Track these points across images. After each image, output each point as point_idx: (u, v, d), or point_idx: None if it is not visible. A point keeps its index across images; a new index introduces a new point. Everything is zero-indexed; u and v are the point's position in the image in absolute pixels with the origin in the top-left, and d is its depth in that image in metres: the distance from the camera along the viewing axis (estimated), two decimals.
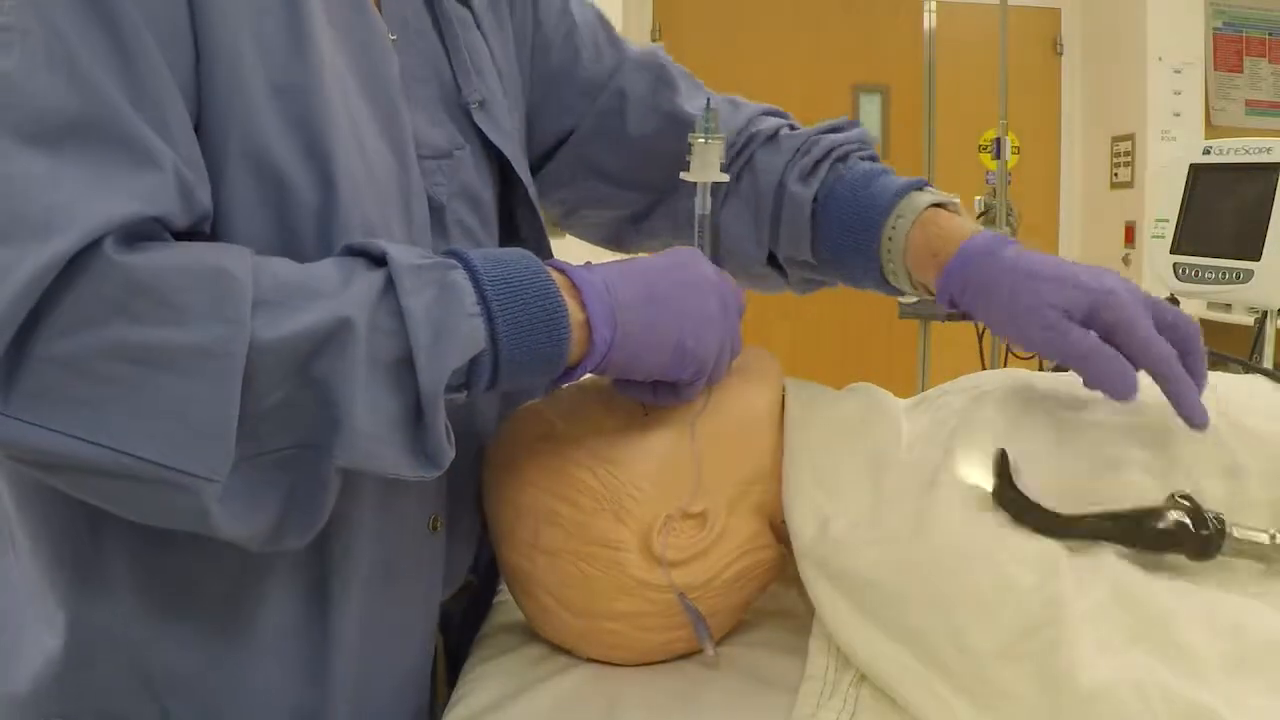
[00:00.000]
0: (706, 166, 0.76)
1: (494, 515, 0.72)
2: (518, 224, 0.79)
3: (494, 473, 0.72)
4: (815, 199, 0.79)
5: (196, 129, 0.56)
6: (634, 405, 0.71)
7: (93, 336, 0.48)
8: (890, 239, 0.74)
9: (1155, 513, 0.60)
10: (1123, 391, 0.65)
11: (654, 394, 0.68)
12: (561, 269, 0.62)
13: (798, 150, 0.82)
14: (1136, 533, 0.60)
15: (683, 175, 0.76)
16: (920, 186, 0.75)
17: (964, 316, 0.70)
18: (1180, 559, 0.61)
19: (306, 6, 0.59)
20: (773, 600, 0.76)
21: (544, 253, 0.71)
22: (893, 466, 0.68)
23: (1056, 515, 0.59)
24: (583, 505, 0.67)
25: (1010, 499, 0.59)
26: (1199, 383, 0.66)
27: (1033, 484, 0.61)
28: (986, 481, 0.61)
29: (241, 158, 0.57)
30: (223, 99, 0.56)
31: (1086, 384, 0.66)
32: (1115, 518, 0.60)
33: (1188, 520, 0.59)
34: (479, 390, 0.58)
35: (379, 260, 0.56)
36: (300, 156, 0.58)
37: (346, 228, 0.59)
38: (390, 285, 0.55)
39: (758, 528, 0.71)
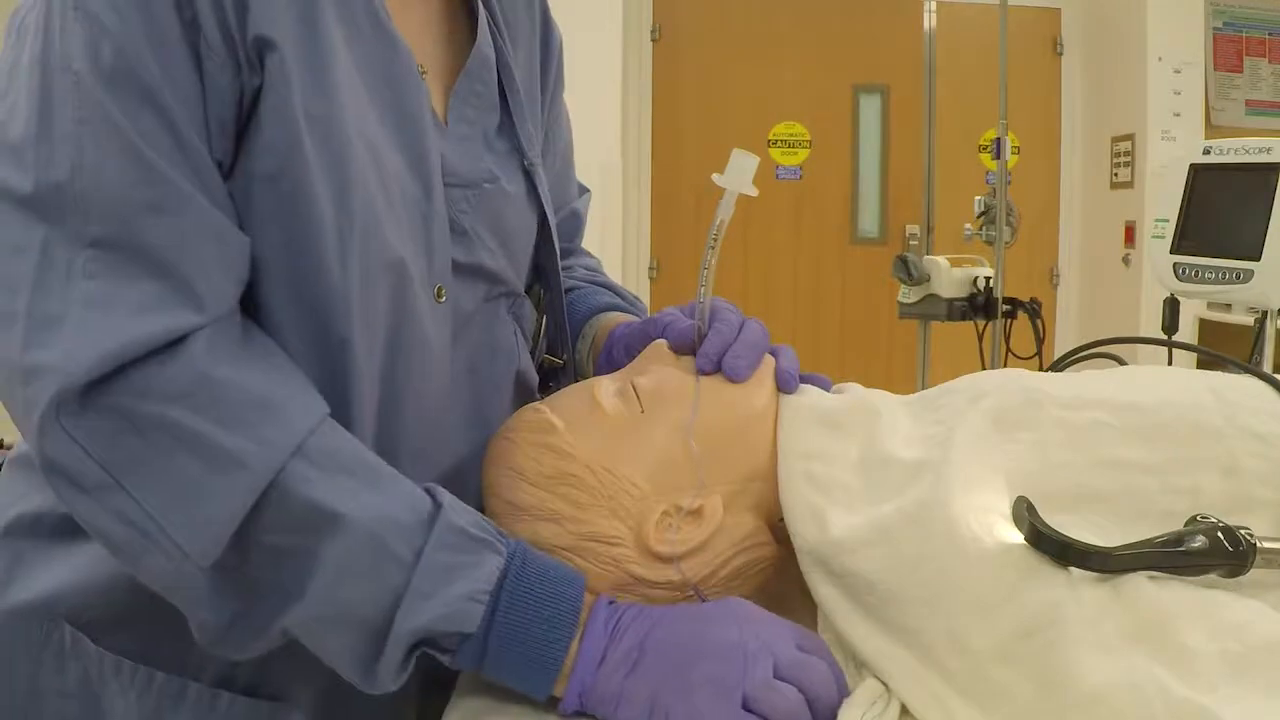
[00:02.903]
0: (741, 174, 0.75)
1: (493, 512, 0.72)
2: (541, 262, 0.86)
3: (493, 470, 0.72)
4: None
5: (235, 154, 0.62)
6: (631, 404, 0.71)
7: (157, 407, 0.57)
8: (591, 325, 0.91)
9: (1189, 536, 0.59)
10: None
11: None
12: (594, 611, 0.62)
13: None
14: (1180, 559, 0.59)
15: (714, 178, 0.76)
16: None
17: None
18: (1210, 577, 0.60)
19: (326, 39, 0.63)
20: (773, 599, 0.76)
21: (557, 295, 0.86)
22: (890, 466, 0.68)
23: (1099, 551, 0.58)
24: (580, 502, 0.67)
25: (1048, 541, 0.58)
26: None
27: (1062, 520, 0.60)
28: (1012, 529, 0.60)
29: (268, 180, 0.61)
30: (266, 127, 0.61)
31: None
32: (1156, 547, 0.59)
33: (1222, 539, 0.59)
34: (460, 663, 0.62)
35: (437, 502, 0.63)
36: (324, 181, 0.62)
37: (365, 248, 0.64)
38: (430, 523, 0.61)
39: (755, 525, 0.71)
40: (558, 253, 0.86)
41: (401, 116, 0.69)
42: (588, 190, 1.03)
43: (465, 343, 0.75)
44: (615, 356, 0.85)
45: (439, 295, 0.71)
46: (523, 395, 0.82)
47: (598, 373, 0.86)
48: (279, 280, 0.63)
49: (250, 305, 0.63)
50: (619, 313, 0.93)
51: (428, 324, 0.70)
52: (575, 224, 1.00)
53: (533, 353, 0.84)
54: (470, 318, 0.76)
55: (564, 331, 0.88)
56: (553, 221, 0.85)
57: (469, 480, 0.74)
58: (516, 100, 0.81)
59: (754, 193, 0.75)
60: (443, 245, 0.71)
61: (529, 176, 0.81)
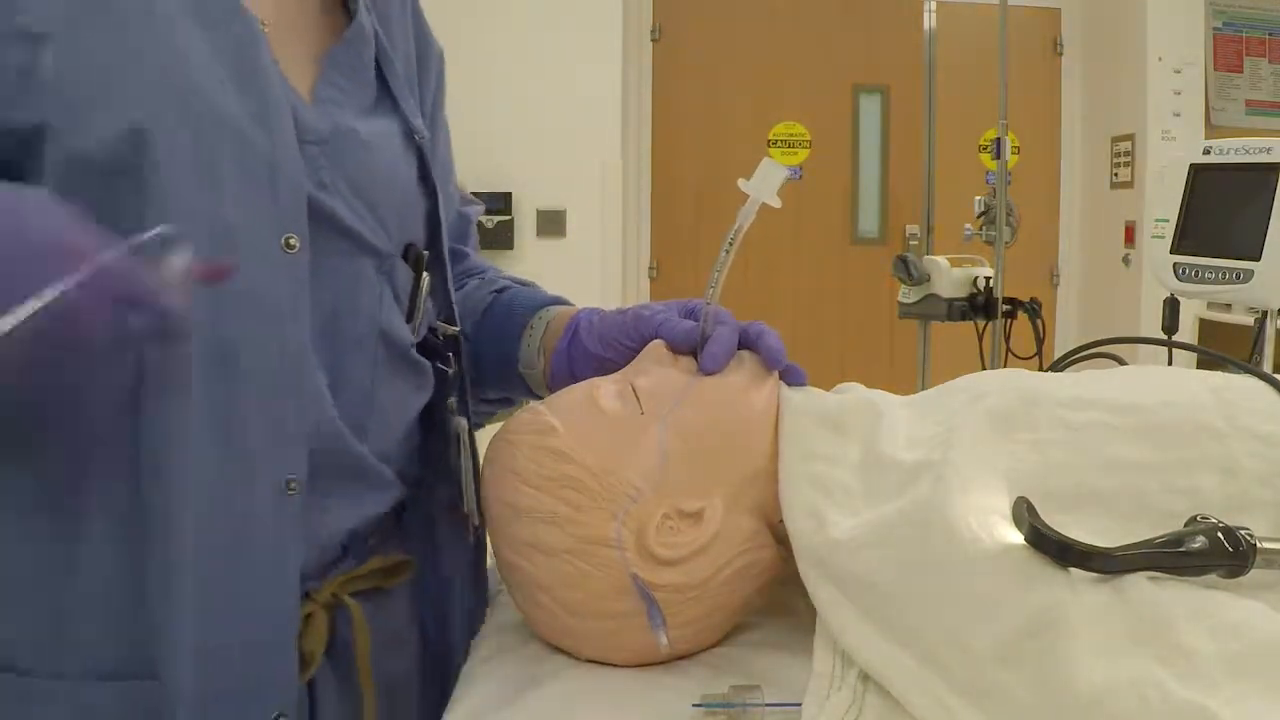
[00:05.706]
0: (767, 184, 0.75)
1: (492, 515, 0.72)
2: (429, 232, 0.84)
3: (492, 473, 0.72)
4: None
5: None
6: (631, 405, 0.71)
7: None
8: (540, 317, 0.90)
9: (1189, 537, 0.59)
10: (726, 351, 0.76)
11: None
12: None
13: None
14: (1180, 559, 0.59)
15: (740, 183, 0.76)
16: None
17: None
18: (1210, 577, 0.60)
19: None
20: (773, 600, 0.76)
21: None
22: (890, 467, 0.68)
23: (1099, 551, 0.58)
24: (580, 505, 0.67)
25: (1048, 542, 0.58)
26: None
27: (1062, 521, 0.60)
28: (1012, 530, 0.60)
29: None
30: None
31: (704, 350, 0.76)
32: (1156, 547, 0.59)
33: (1222, 540, 0.59)
34: None
35: None
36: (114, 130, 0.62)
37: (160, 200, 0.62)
38: None
39: (756, 527, 0.71)
40: (448, 225, 0.85)
41: (243, 68, 0.67)
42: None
43: (321, 299, 0.71)
44: (584, 344, 0.83)
45: (289, 245, 0.68)
46: (394, 356, 0.78)
47: (557, 360, 0.84)
48: None
49: None
50: (570, 306, 0.91)
51: (269, 274, 0.67)
52: (464, 226, 0.99)
53: (409, 316, 0.80)
54: (328, 272, 0.72)
55: (450, 301, 0.86)
56: (443, 192, 0.84)
57: (343, 434, 0.73)
58: (397, 82, 0.81)
59: (777, 204, 0.76)
60: (292, 193, 0.68)
61: (415, 145, 0.81)
